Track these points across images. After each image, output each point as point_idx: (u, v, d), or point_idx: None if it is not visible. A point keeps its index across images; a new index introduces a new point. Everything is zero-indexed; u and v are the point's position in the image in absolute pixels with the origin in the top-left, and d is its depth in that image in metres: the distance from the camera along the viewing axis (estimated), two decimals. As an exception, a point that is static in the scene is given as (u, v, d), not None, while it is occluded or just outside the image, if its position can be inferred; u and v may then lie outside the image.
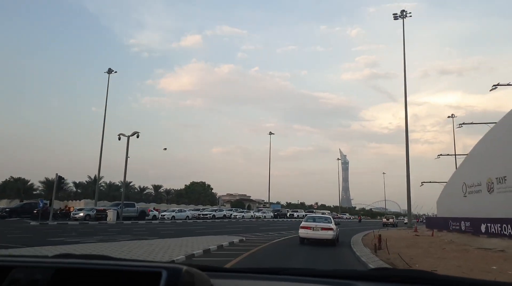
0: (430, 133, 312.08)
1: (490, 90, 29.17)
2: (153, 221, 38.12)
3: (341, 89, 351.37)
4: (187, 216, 44.01)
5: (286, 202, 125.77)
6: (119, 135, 36.91)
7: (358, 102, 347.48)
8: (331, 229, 17.58)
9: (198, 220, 43.69)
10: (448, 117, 60.65)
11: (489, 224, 22.80)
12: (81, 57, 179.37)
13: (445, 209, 32.33)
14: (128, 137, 36.68)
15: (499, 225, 21.70)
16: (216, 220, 46.42)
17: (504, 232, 21.07)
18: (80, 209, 41.74)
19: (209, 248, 14.14)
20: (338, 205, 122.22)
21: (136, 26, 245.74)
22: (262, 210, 65.48)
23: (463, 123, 31.24)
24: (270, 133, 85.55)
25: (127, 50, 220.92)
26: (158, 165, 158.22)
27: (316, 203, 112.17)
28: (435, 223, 33.76)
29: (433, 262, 13.20)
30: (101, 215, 34.59)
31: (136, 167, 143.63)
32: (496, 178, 23.44)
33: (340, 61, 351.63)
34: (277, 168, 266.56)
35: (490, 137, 25.37)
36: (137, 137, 36.61)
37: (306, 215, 69.22)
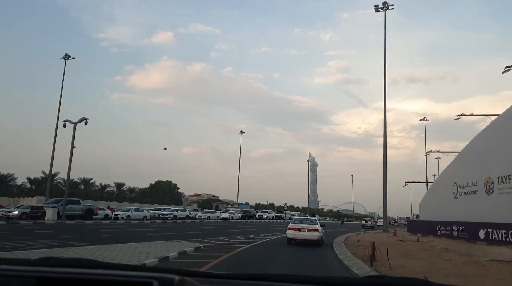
0: (396, 139, 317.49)
1: (502, 73, 27.55)
2: (103, 221, 32.93)
3: (313, 92, 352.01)
4: (145, 216, 38.92)
5: (255, 203, 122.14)
6: (64, 121, 31.61)
7: (329, 106, 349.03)
8: (316, 230, 18.18)
9: (157, 221, 38.70)
10: (420, 120, 62.17)
11: (490, 230, 19.42)
12: (45, 50, 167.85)
13: (430, 212, 29.10)
14: (75, 124, 31.41)
15: (504, 231, 18.31)
16: (178, 221, 41.52)
17: (511, 240, 17.73)
18: (19, 206, 36.17)
19: (145, 263, 9.67)
20: (306, 206, 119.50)
21: (106, 19, 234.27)
22: (229, 210, 60.87)
23: (462, 115, 28.34)
24: (241, 132, 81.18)
25: (96, 44, 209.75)
26: (126, 164, 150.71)
27: (286, 204, 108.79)
28: (418, 227, 30.52)
29: (462, 283, 9.36)
30: (36, 213, 29.06)
31: (101, 165, 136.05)
32: (498, 178, 20.15)
33: (313, 65, 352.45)
34: (248, 169, 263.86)
35: (490, 132, 22.11)
36: (85, 124, 31.40)
37: (275, 216, 65.89)
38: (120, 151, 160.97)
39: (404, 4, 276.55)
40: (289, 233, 18.24)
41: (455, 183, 25.06)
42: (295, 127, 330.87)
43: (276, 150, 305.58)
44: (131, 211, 37.94)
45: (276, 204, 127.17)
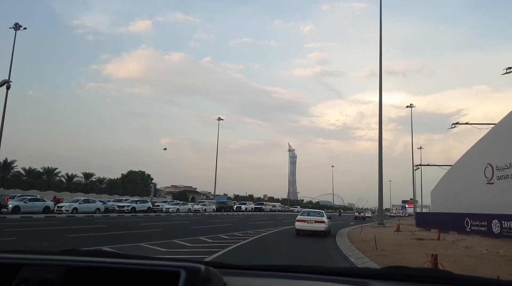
0: (374, 131, 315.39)
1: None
2: (35, 215, 25.54)
3: (293, 84, 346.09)
4: (98, 208, 31.55)
5: (234, 195, 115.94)
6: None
7: (308, 98, 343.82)
8: (323, 222, 18.34)
9: (111, 215, 31.48)
10: (407, 106, 58.88)
11: None
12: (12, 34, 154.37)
13: (446, 202, 23.03)
14: (-4, 88, 23.79)
15: None
16: (138, 214, 34.35)
17: None
18: None
19: None
20: (286, 197, 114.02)
21: (81, 6, 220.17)
22: (203, 202, 53.71)
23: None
24: (219, 119, 73.68)
25: (70, 31, 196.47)
26: (101, 155, 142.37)
27: (265, 195, 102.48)
28: (431, 220, 24.43)
29: None
30: None
31: (75, 155, 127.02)
32: None
33: (292, 57, 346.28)
34: (227, 161, 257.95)
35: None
36: (7, 88, 23.86)
37: (255, 208, 59.59)
38: (94, 141, 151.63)
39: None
40: (298, 225, 18.60)
41: (488, 164, 18.95)
42: (274, 119, 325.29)
43: (256, 142, 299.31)
44: (79, 203, 30.46)
45: (256, 195, 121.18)
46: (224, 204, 51.45)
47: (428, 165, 29.29)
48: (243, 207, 55.17)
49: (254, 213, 52.14)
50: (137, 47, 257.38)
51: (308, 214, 19.44)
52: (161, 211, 40.25)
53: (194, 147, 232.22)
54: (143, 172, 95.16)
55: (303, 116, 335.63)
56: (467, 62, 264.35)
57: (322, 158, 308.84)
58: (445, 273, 1.44)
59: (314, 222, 18.22)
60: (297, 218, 19.14)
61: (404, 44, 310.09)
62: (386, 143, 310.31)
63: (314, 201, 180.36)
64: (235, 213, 49.59)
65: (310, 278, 1.41)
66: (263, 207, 60.02)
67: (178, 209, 41.23)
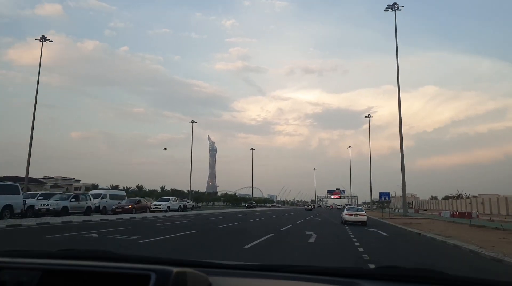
0: (291, 127, 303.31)
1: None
2: None
3: (214, 78, 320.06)
4: None
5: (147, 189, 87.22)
6: None
7: (230, 93, 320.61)
8: (364, 215, 22.68)
9: None
10: (365, 117, 37.85)
11: None
12: None
13: None
14: None
15: None
16: None
17: None
18: None
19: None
20: (203, 191, 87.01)
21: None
22: None
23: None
24: (43, 37, 41.59)
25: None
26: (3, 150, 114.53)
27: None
28: None
29: None
30: None
31: None
32: None
33: (214, 51, 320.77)
34: (145, 155, 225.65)
35: None
36: None
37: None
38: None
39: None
40: (345, 217, 22.60)
41: None
42: (196, 113, 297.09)
43: (176, 136, 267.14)
44: None
45: (165, 188, 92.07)
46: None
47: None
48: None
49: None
50: (45, 32, 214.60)
51: (353, 210, 23.87)
52: None
53: (109, 141, 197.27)
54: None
55: (225, 111, 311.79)
56: (375, 63, 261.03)
57: (242, 152, 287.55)
58: (438, 273, 1.33)
59: (359, 216, 22.28)
60: (345, 212, 23.32)
61: (320, 44, 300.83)
62: (302, 138, 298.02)
63: (229, 193, 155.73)
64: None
65: (300, 278, 1.32)
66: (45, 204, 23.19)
67: None
